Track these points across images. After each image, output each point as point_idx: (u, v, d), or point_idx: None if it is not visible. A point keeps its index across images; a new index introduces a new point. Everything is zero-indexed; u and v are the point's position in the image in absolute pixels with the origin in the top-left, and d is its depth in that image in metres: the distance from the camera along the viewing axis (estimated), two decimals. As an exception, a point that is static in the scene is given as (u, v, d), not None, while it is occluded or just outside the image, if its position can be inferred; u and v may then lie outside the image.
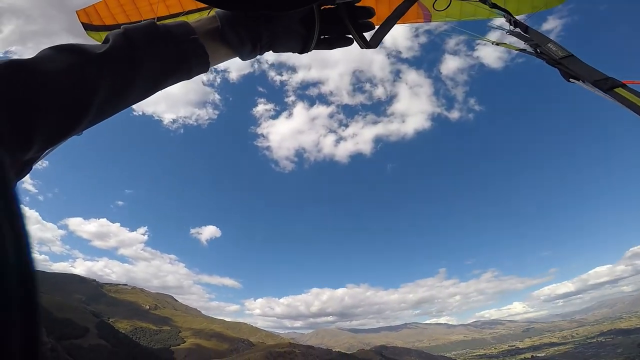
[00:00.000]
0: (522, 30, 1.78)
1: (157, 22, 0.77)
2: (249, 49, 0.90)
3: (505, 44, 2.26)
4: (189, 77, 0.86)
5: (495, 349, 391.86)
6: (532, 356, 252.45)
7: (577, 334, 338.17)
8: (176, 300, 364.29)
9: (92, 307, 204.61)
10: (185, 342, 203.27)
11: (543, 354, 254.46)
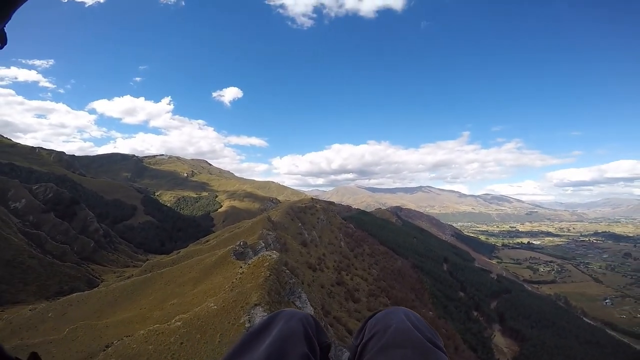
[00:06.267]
0: None
1: None
2: None
3: None
4: None
5: (497, 227, 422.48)
6: (528, 242, 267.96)
7: (573, 228, 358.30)
8: (210, 165, 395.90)
9: (138, 183, 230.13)
10: (222, 206, 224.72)
11: (538, 242, 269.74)
